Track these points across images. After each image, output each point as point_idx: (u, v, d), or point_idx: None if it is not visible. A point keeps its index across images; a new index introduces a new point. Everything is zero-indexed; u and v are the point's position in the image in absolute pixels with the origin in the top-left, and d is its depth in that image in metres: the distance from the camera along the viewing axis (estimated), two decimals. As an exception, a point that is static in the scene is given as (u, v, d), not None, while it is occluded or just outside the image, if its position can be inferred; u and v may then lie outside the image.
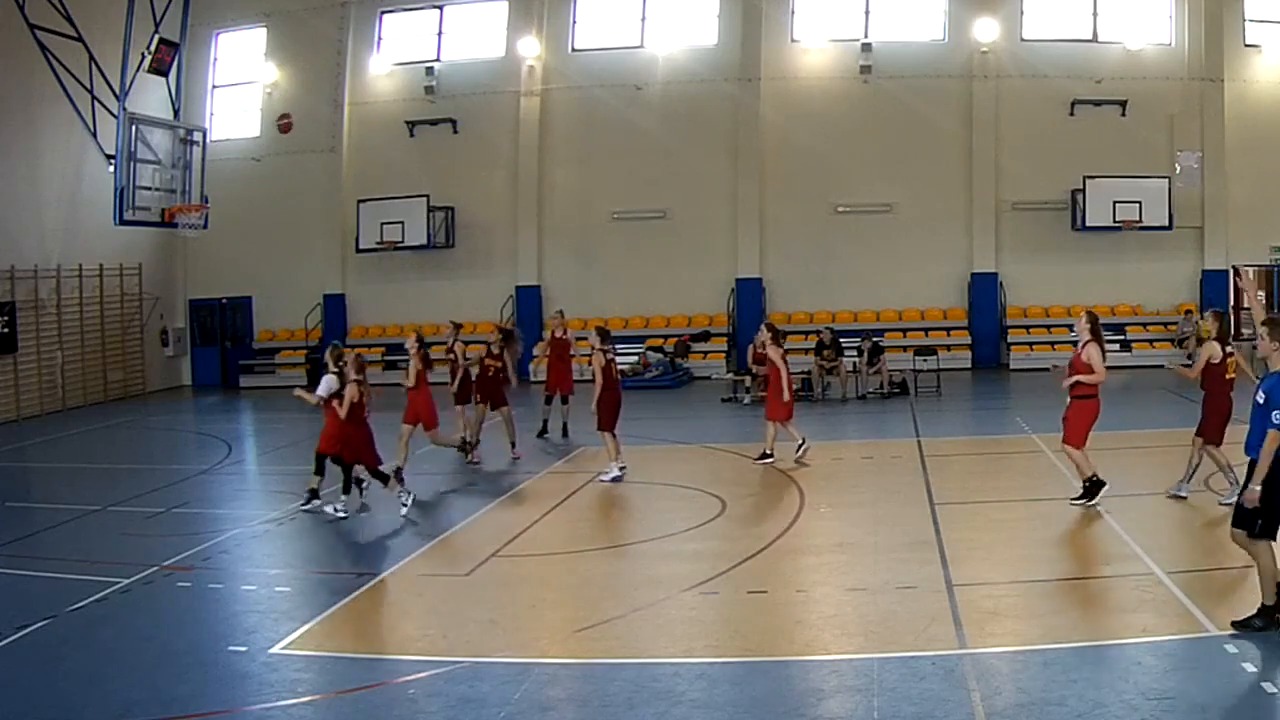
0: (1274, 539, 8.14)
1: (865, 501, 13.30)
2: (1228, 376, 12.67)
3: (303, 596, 10.38)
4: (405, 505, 13.33)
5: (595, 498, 14.38)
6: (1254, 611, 8.07)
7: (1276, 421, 7.99)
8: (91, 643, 9.04)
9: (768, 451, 15.82)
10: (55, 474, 18.91)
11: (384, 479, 13.45)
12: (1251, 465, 8.15)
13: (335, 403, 13.38)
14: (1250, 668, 7.33)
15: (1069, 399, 12.64)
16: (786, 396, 15.87)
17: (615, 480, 14.85)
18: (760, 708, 7.34)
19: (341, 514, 13.32)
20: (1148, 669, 7.53)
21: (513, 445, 17.31)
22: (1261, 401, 8.23)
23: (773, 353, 15.90)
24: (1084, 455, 12.48)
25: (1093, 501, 12.26)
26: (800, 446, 15.82)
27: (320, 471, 13.74)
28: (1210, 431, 12.60)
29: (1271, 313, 13.71)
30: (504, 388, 17.48)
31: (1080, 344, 12.76)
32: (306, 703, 7.70)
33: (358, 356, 13.70)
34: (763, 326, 17.04)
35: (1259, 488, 7.99)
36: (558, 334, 19.78)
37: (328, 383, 13.72)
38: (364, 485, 14.02)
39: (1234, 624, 8.05)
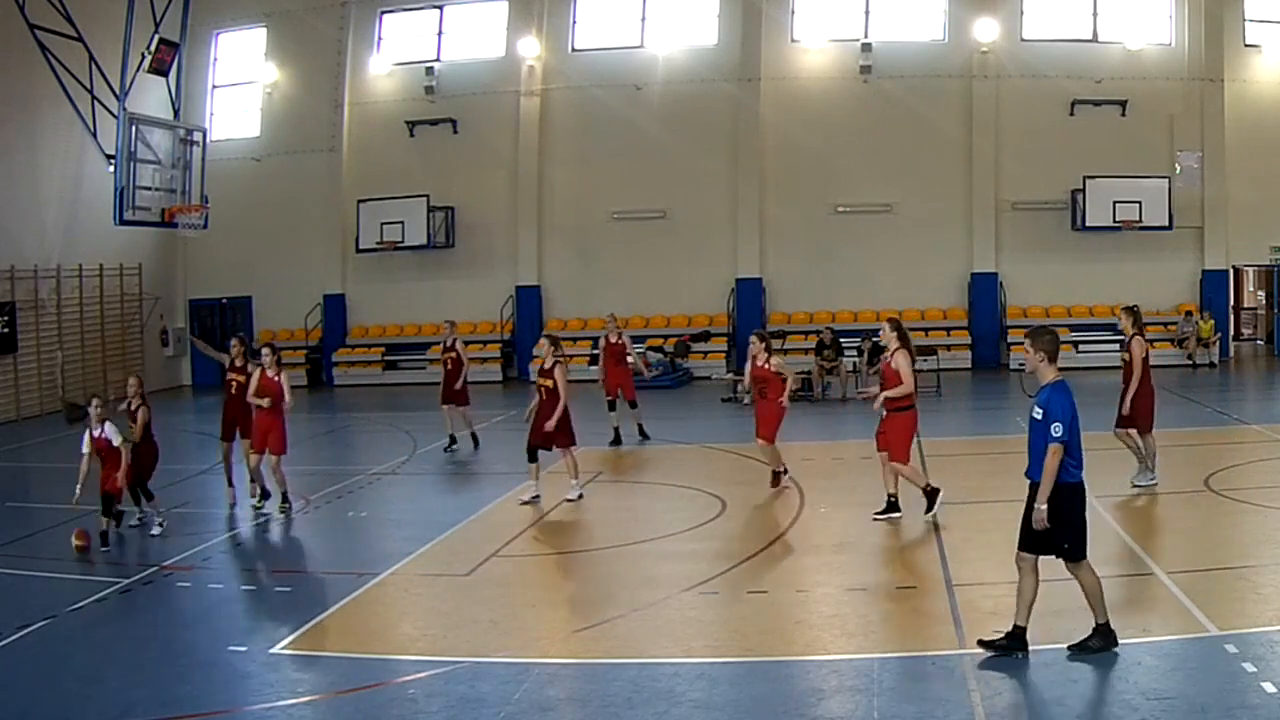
0: (1085, 557, 7.85)
1: (865, 501, 13.27)
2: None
3: (303, 596, 10.38)
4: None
5: (595, 498, 14.35)
6: (1089, 633, 7.81)
7: (1057, 435, 7.57)
8: (91, 643, 9.04)
9: (782, 469, 14.12)
10: (55, 474, 18.86)
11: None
12: (1034, 488, 7.72)
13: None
14: (1250, 668, 7.33)
15: (885, 413, 12.09)
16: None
17: (579, 499, 13.73)
18: (760, 708, 7.33)
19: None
20: (1148, 669, 7.52)
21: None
22: (1039, 417, 7.72)
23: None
24: (913, 469, 12.26)
25: (932, 510, 11.86)
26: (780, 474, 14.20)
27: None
28: (1144, 420, 13.30)
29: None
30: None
31: (889, 352, 12.18)
32: (306, 703, 7.69)
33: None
34: (753, 338, 14.40)
35: (1045, 507, 7.61)
36: (612, 339, 18.98)
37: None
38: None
39: (1070, 649, 7.78)
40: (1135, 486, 13.11)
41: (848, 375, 23.98)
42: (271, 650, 8.66)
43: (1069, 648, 7.81)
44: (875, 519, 12.05)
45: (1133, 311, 14.15)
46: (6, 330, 24.73)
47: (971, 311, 28.80)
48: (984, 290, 28.70)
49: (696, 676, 7.84)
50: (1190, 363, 26.94)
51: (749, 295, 29.04)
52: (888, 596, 9.48)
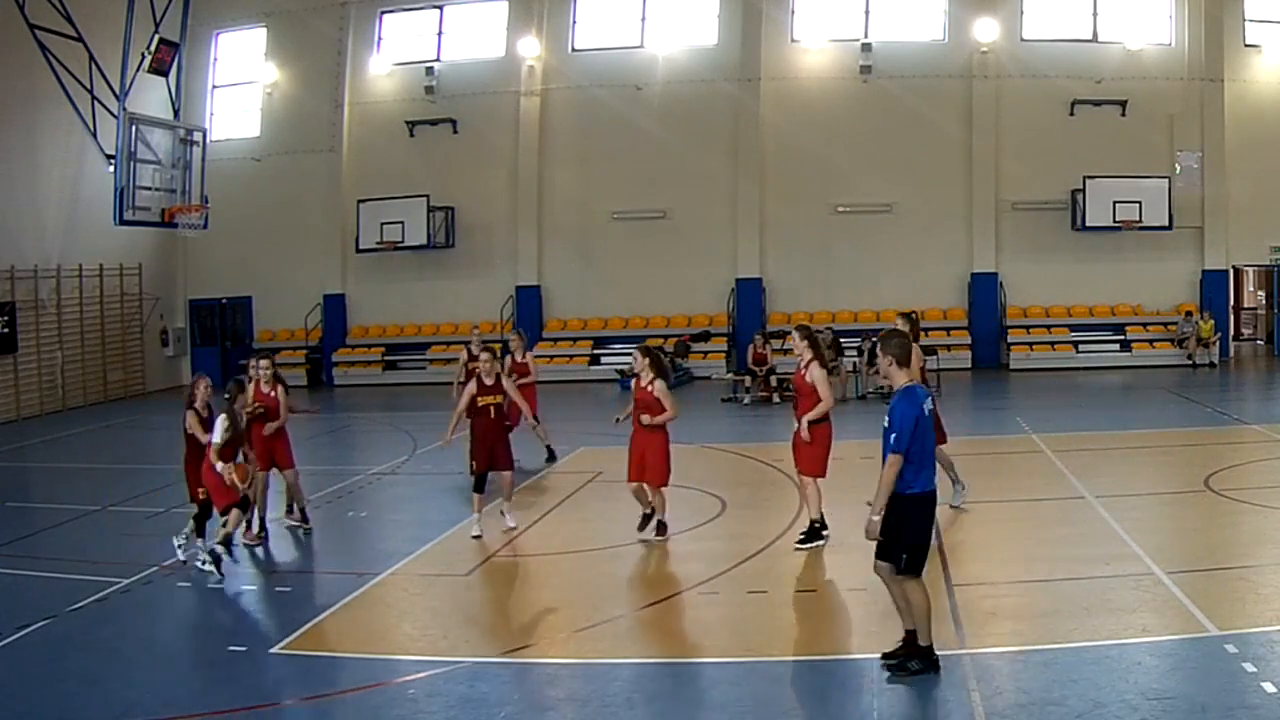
0: (919, 574, 7.62)
1: (865, 501, 13.27)
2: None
3: (303, 596, 10.39)
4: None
5: (595, 498, 14.36)
6: (902, 649, 7.59)
7: (894, 445, 7.34)
8: (91, 643, 9.03)
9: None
10: (55, 474, 18.90)
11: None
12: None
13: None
14: (1250, 668, 7.33)
15: (799, 425, 11.25)
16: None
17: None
18: (760, 708, 7.34)
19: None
20: (1148, 669, 7.52)
21: None
22: (885, 424, 7.49)
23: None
24: (819, 491, 11.13)
25: (812, 545, 10.99)
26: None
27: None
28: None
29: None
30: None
31: (802, 363, 11.24)
32: (307, 703, 7.70)
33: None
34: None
35: (877, 518, 7.39)
36: (517, 357, 17.36)
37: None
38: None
39: (884, 656, 7.63)
40: (952, 507, 12.08)
41: (847, 375, 23.98)
42: (271, 650, 8.66)
43: (883, 656, 7.61)
44: (797, 548, 11.12)
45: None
46: (6, 330, 24.72)
47: (971, 311, 28.81)
48: (984, 290, 28.70)
49: (696, 676, 7.84)
50: (1190, 363, 26.95)
51: (749, 295, 29.04)
52: (888, 597, 9.46)
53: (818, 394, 11.04)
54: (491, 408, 12.11)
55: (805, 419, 11.12)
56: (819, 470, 11.16)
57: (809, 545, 11.03)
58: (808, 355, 11.19)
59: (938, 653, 7.63)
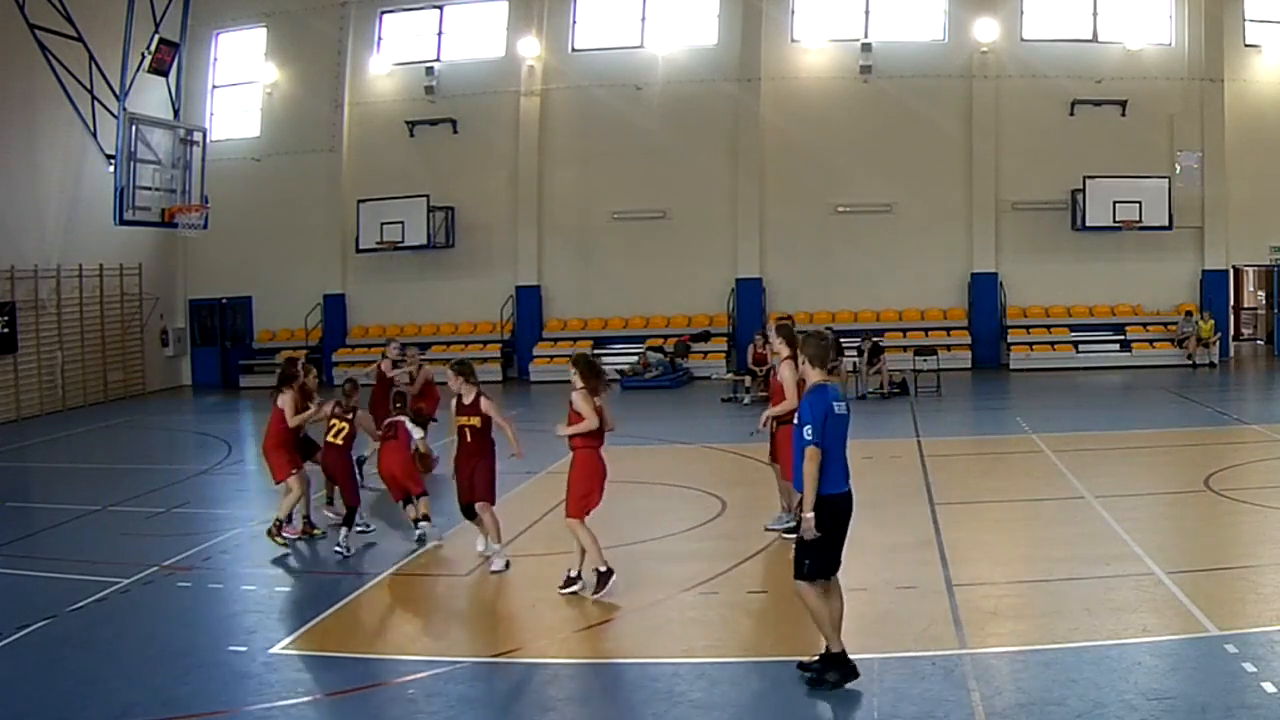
0: (828, 579, 7.47)
1: (865, 501, 13.15)
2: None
3: (303, 596, 10.39)
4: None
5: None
6: (817, 660, 7.47)
7: (808, 437, 7.21)
8: (91, 643, 9.03)
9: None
10: (55, 474, 18.90)
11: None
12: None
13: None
14: (1250, 668, 7.33)
15: (777, 425, 11.02)
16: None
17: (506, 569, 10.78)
18: (760, 708, 7.34)
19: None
20: (1148, 669, 7.53)
21: None
22: (796, 422, 7.38)
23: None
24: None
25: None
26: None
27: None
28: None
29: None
30: None
31: (779, 360, 11.09)
32: (306, 703, 7.70)
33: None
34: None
35: (810, 515, 7.22)
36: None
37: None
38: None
39: (800, 665, 7.54)
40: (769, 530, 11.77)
41: (847, 375, 23.95)
42: (271, 650, 8.65)
43: (799, 665, 7.53)
44: (768, 529, 11.21)
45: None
46: (6, 330, 24.72)
47: (971, 311, 28.81)
48: (984, 290, 28.70)
49: (696, 676, 7.84)
50: (1190, 363, 26.95)
51: (749, 295, 29.04)
52: (888, 596, 9.48)
53: (784, 393, 10.85)
54: (468, 430, 10.66)
55: (767, 413, 11.22)
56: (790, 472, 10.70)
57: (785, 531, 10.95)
58: (784, 353, 10.93)
59: (938, 653, 7.64)
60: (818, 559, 7.40)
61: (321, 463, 12.40)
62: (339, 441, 11.98)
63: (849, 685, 7.39)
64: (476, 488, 10.68)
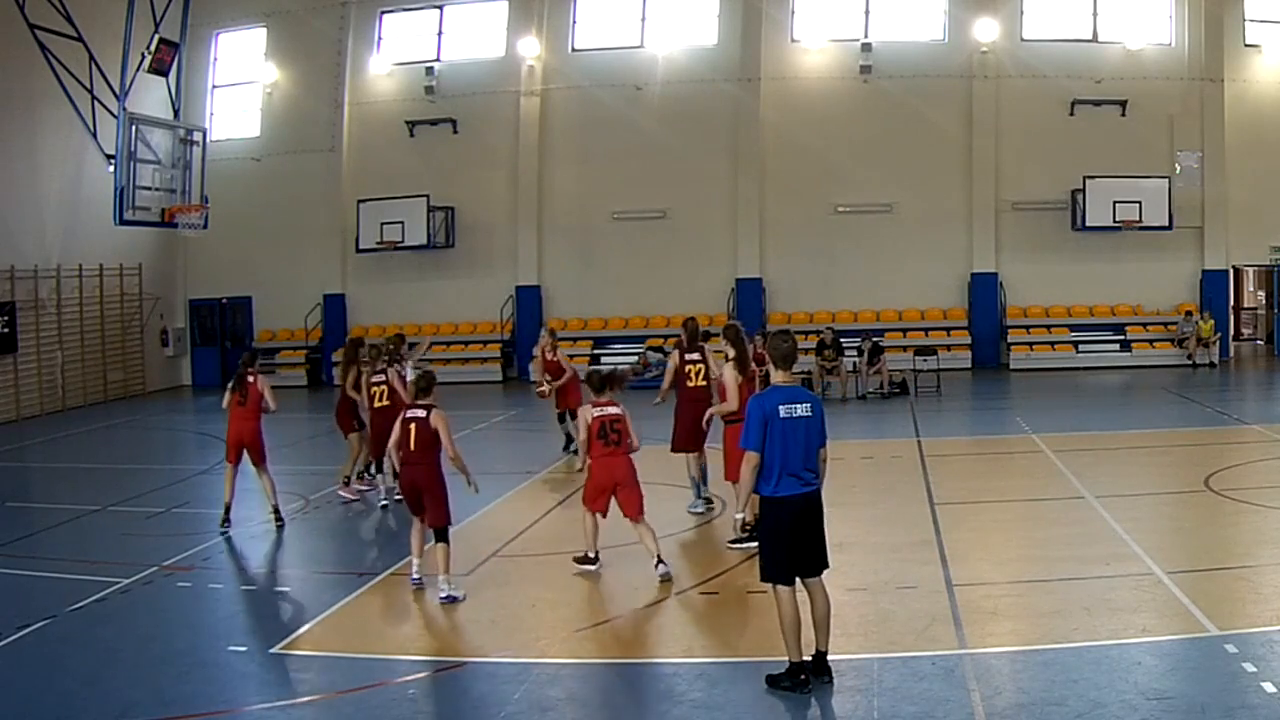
0: (788, 583, 7.39)
1: (865, 501, 13.29)
2: (690, 385, 12.63)
3: (303, 596, 10.38)
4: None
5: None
6: (784, 670, 7.42)
7: (743, 442, 7.20)
8: (91, 643, 9.03)
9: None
10: (55, 474, 18.90)
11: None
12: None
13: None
14: (1250, 668, 7.33)
15: (725, 427, 11.21)
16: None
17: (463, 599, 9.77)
18: (760, 708, 7.34)
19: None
20: (1148, 669, 7.53)
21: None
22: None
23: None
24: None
25: (746, 545, 10.53)
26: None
27: None
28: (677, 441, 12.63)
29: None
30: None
31: (722, 363, 11.28)
32: (306, 703, 7.70)
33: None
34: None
35: (739, 515, 7.08)
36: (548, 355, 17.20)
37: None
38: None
39: (768, 679, 7.47)
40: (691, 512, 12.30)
41: (847, 375, 23.99)
42: (271, 650, 8.66)
43: (768, 679, 7.49)
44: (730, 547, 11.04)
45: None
46: (6, 330, 24.73)
47: (971, 311, 28.81)
48: (984, 290, 28.70)
49: (696, 676, 7.84)
50: (1190, 363, 26.95)
51: (749, 295, 29.04)
52: (888, 596, 9.48)
53: (725, 395, 11.18)
54: (413, 435, 9.75)
55: (710, 410, 11.51)
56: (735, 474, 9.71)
57: (743, 545, 10.73)
58: (730, 353, 11.21)
59: (938, 653, 7.63)
60: (770, 561, 7.40)
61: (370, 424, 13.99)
62: (383, 403, 13.49)
63: (836, 691, 7.38)
64: (427, 506, 9.97)
